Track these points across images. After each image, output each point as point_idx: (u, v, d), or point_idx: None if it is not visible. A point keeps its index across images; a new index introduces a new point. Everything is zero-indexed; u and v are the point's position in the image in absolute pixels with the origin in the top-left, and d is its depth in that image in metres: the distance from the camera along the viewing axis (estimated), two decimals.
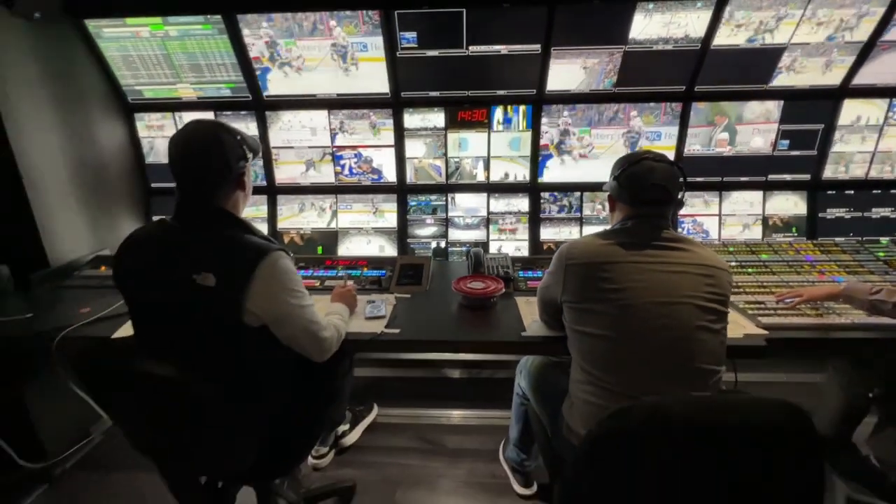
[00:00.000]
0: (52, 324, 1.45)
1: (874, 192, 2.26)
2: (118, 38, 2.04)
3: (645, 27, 1.92)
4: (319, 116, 2.24)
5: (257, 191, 2.34)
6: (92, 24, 1.99)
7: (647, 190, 1.11)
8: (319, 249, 2.35)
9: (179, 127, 2.22)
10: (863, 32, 1.94)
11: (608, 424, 0.79)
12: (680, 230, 2.27)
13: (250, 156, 1.15)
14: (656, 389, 0.99)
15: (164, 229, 1.08)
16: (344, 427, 1.89)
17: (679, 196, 1.15)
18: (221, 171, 1.08)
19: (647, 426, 0.75)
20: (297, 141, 2.29)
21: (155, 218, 2.37)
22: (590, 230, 2.06)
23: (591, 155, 2.26)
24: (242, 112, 2.24)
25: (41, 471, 1.72)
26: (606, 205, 1.32)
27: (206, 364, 0.98)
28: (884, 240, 1.95)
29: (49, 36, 1.88)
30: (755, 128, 2.18)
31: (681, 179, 1.14)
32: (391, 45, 1.98)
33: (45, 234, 1.84)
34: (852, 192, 2.26)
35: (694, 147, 2.22)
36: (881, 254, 1.83)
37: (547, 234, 2.33)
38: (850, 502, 1.58)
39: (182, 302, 1.01)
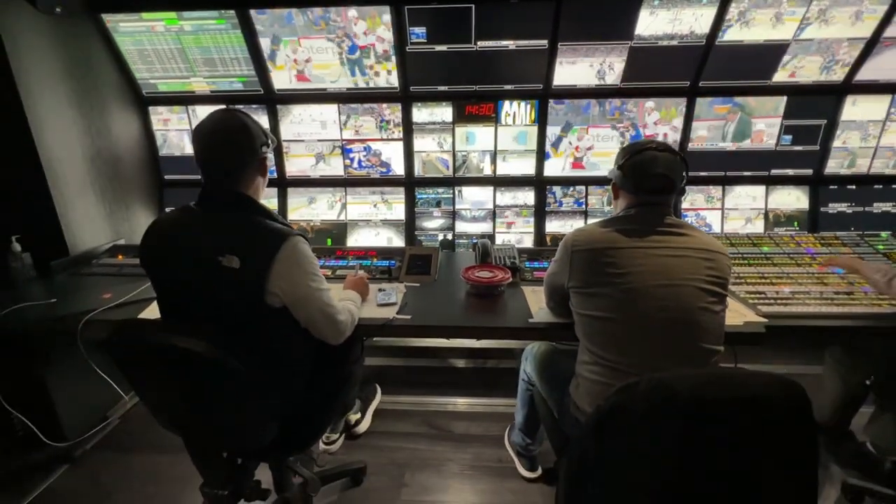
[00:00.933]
0: (75, 308, 1.51)
1: (875, 187, 2.29)
2: (134, 32, 2.09)
3: (650, 23, 1.95)
4: (329, 110, 2.28)
5: (268, 183, 2.38)
6: (109, 19, 2.04)
7: (651, 179, 1.15)
8: (329, 241, 2.40)
9: (193, 120, 2.31)
10: (867, 28, 1.96)
11: (615, 399, 0.83)
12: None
13: (270, 143, 1.21)
14: (660, 368, 1.03)
15: (189, 214, 1.13)
16: (356, 416, 1.95)
17: (681, 185, 1.19)
18: (247, 156, 1.14)
19: (652, 400, 0.79)
20: (307, 134, 2.34)
21: (168, 209, 2.43)
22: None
23: (589, 164, 2.30)
24: (254, 105, 2.29)
25: (63, 451, 1.79)
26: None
27: (229, 343, 1.02)
28: (884, 233, 1.99)
29: (68, 31, 1.93)
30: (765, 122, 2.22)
31: (683, 168, 1.18)
32: (401, 40, 2.02)
33: (64, 223, 1.90)
34: (854, 187, 2.29)
35: (702, 141, 2.26)
36: (881, 247, 1.87)
37: (551, 227, 2.37)
38: (847, 487, 1.62)
39: (207, 283, 1.07)
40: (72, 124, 1.95)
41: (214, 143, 1.12)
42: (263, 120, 2.29)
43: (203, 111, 2.31)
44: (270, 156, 1.31)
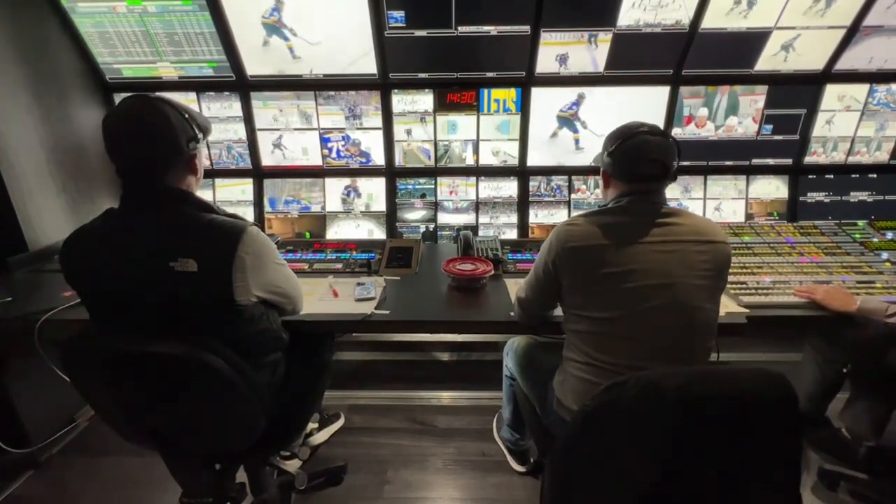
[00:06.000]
0: (32, 307, 1.43)
1: (853, 176, 2.31)
2: (93, 13, 1.96)
3: (629, 10, 1.90)
4: (306, 97, 2.19)
5: (242, 174, 2.30)
6: None
7: (644, 165, 1.08)
8: (307, 234, 2.33)
9: None
10: (846, 16, 1.96)
11: (603, 398, 0.81)
12: None
13: (201, 136, 1.07)
14: (654, 368, 1.01)
15: (119, 220, 1.01)
16: (314, 425, 1.88)
17: (674, 170, 1.13)
18: (169, 155, 1.00)
19: (641, 398, 0.77)
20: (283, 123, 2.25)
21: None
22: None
23: None
24: (226, 92, 2.19)
25: (27, 456, 1.70)
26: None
27: (204, 344, 0.97)
28: (861, 222, 2.01)
29: (20, 11, 1.80)
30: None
31: (676, 152, 1.12)
32: (378, 25, 1.95)
33: (22, 217, 1.79)
34: (832, 176, 2.31)
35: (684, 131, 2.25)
36: (857, 235, 1.89)
37: (535, 217, 2.34)
38: (823, 473, 1.65)
39: (162, 292, 0.98)
40: (27, 112, 1.83)
41: (125, 140, 0.97)
42: (236, 107, 2.20)
43: (172, 98, 2.19)
44: (204, 150, 1.20)
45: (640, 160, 1.09)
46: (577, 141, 2.24)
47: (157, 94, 1.06)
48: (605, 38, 1.98)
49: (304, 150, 2.29)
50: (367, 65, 2.08)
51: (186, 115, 1.03)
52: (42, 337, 1.36)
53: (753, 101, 2.18)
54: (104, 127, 0.98)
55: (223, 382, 0.97)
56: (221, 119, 2.23)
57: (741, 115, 2.20)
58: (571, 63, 2.06)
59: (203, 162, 1.14)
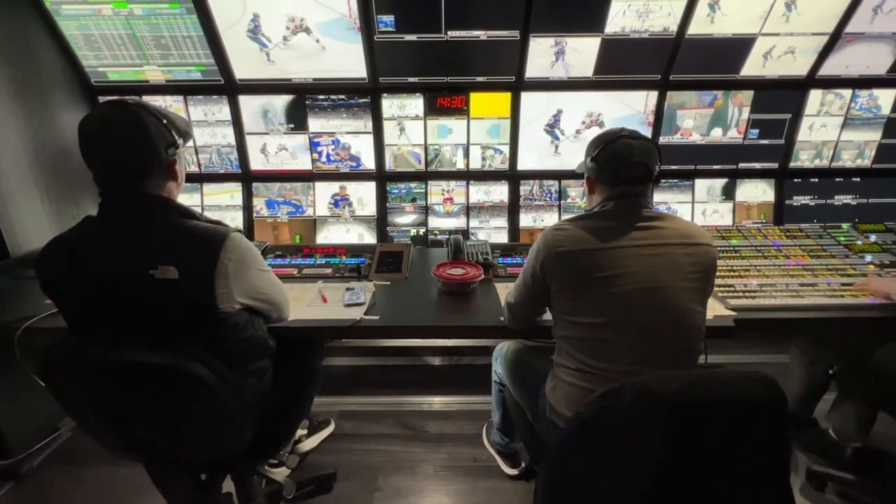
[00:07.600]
0: (13, 315, 1.39)
1: (837, 180, 2.35)
2: (78, 15, 1.93)
3: (616, 16, 1.92)
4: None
5: (231, 178, 2.28)
6: (49, 0, 1.88)
7: (628, 168, 1.09)
8: (297, 238, 2.31)
9: None
10: (829, 24, 1.99)
11: (598, 404, 0.80)
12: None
13: (180, 142, 1.05)
14: (646, 372, 1.01)
15: (98, 227, 1.00)
16: (303, 431, 1.87)
17: (657, 173, 1.14)
18: (149, 161, 0.98)
19: (637, 404, 0.77)
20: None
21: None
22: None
23: None
24: (214, 96, 2.17)
25: (7, 468, 1.66)
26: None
27: (186, 352, 0.95)
28: (845, 225, 2.04)
29: (3, 13, 1.77)
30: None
31: (658, 155, 1.13)
32: (368, 29, 1.94)
33: (3, 222, 1.76)
34: (816, 180, 2.35)
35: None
36: (842, 238, 1.93)
37: (525, 220, 2.35)
38: (811, 474, 1.67)
39: (143, 300, 0.96)
40: (9, 115, 1.80)
41: (101, 147, 0.96)
42: (225, 111, 2.18)
43: (159, 102, 2.17)
44: (187, 156, 1.19)
45: (623, 163, 1.10)
46: (556, 147, 2.26)
47: (134, 98, 1.04)
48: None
49: (293, 153, 2.27)
50: (357, 69, 2.07)
51: (165, 121, 1.01)
52: (23, 345, 1.33)
53: (738, 112, 2.21)
54: (79, 133, 0.96)
55: (207, 391, 0.95)
56: (210, 123, 2.21)
57: (726, 126, 2.24)
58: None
59: (184, 167, 1.12)
